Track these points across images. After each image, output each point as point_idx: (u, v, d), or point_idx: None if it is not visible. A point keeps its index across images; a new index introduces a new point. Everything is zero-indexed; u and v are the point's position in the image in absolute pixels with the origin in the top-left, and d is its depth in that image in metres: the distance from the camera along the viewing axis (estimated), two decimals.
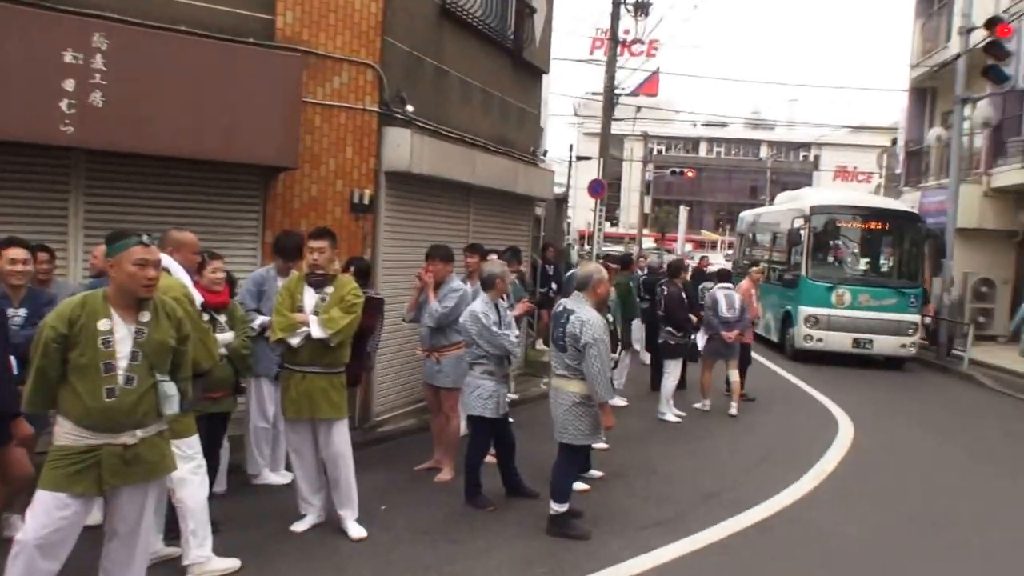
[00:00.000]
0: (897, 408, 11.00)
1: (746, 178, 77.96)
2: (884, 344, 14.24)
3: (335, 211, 7.57)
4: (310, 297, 5.14)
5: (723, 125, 73.78)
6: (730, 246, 59.01)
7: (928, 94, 23.45)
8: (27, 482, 4.33)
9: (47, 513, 3.48)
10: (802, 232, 14.76)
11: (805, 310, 14.33)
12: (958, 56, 16.16)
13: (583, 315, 5.34)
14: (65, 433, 3.52)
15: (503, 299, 6.23)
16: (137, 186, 6.60)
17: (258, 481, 6.25)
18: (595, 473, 6.78)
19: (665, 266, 11.27)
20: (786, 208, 16.83)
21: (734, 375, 10.15)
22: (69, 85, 5.76)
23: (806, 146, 71.18)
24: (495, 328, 5.82)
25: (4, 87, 5.58)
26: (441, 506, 5.93)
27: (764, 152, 76.15)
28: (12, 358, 4.19)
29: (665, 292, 9.49)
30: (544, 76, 11.92)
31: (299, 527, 5.29)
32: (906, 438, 9.22)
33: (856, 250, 15.36)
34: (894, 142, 30.22)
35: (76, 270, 6.30)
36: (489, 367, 5.89)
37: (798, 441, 8.66)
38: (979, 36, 14.97)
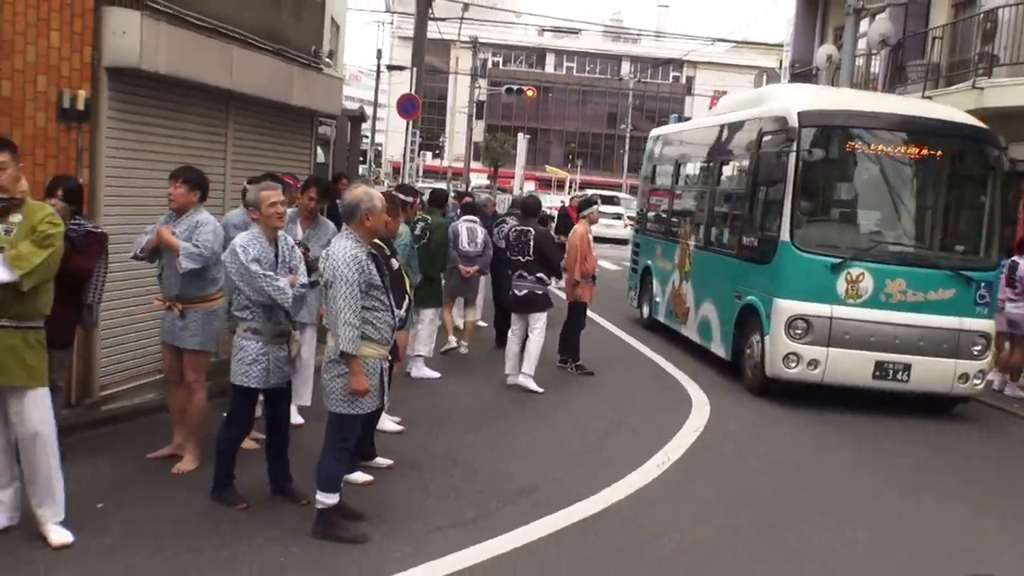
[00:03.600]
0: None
1: (602, 102, 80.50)
2: (929, 373, 10.29)
3: (37, 117, 7.34)
4: None
5: (575, 33, 75.63)
6: (582, 187, 60.85)
7: (819, 4, 24.75)
8: None
9: None
10: (783, 159, 10.42)
11: (786, 307, 10.23)
12: None
13: (332, 248, 5.56)
14: None
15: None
16: None
17: None
18: (381, 462, 6.99)
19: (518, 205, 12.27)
20: (745, 118, 12.24)
21: (471, 314, 12.00)
22: None
23: (677, 64, 73.88)
24: (255, 267, 5.77)
25: None
26: (178, 504, 5.96)
27: (626, 69, 78.63)
28: None
29: (534, 232, 10.10)
30: None
31: None
32: (767, 421, 9.90)
33: (884, 197, 11.09)
34: (781, 63, 31.94)
35: None
36: (254, 323, 5.89)
37: (641, 424, 9.19)
38: None
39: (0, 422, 5.16)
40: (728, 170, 12.85)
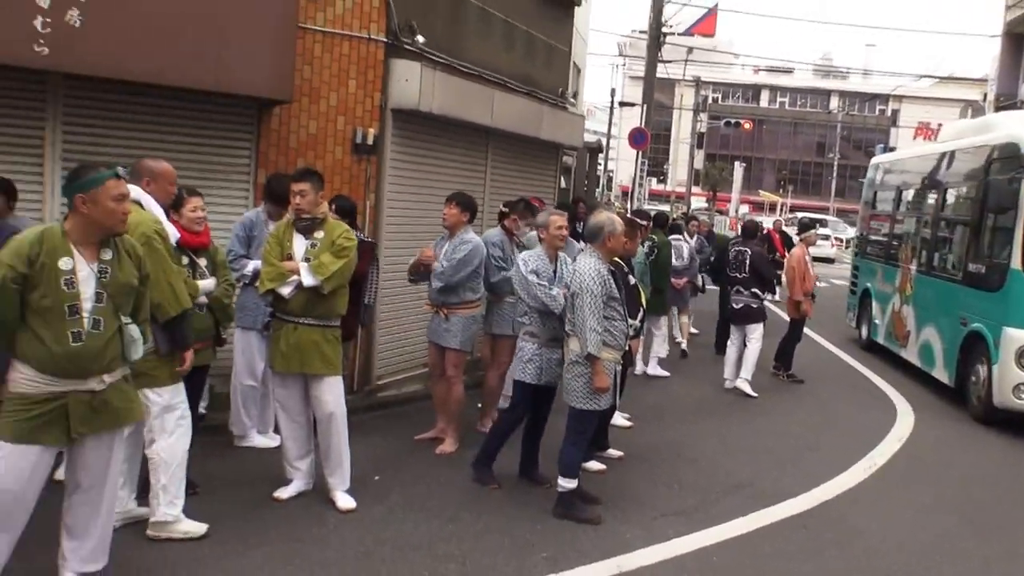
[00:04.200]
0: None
1: (813, 133, 77.02)
2: None
3: (336, 151, 7.67)
4: (299, 244, 5.27)
5: (788, 72, 72.78)
6: (792, 210, 58.54)
7: None
8: None
9: (15, 467, 3.61)
10: (1015, 186, 8.96)
11: (1018, 336, 8.72)
12: None
13: (578, 264, 5.53)
14: (25, 380, 3.63)
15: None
16: (119, 116, 6.70)
17: (244, 443, 6.46)
18: (613, 453, 6.88)
19: (740, 228, 12.19)
20: (972, 145, 10.71)
21: (683, 318, 12.11)
22: (43, 1, 5.86)
23: (883, 98, 69.91)
24: (532, 277, 5.79)
25: None
26: (441, 480, 6.06)
27: (835, 104, 75.02)
28: None
29: (750, 252, 9.98)
30: (576, 9, 11.84)
31: (283, 494, 5.45)
32: (971, 433, 9.06)
33: None
34: (985, 97, 29.76)
35: (53, 207, 6.38)
36: (532, 328, 5.88)
37: (848, 430, 8.62)
38: None
39: (302, 403, 5.43)
40: (952, 196, 11.26)
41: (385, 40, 7.81)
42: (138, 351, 3.86)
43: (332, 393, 5.32)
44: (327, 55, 7.55)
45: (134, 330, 3.85)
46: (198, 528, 4.79)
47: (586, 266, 5.44)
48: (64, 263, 3.63)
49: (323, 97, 7.57)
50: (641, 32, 38.06)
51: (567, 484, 5.53)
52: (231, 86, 6.71)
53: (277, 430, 6.29)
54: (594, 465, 6.46)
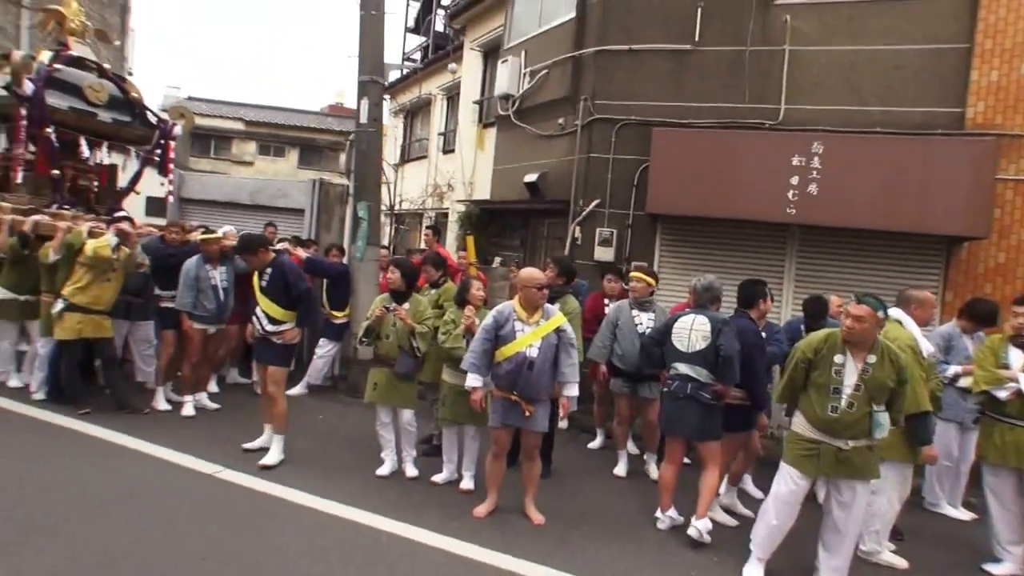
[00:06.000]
0: None
1: None
2: None
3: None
4: (1015, 356, 4.23)
5: None
6: None
7: None
8: (755, 459, 4.61)
9: (786, 480, 3.68)
10: None
11: None
12: None
13: None
14: (800, 424, 3.69)
15: None
16: (836, 252, 6.61)
17: (935, 510, 5.42)
18: None
19: None
20: None
21: None
22: (794, 180, 6.12)
23: None
24: None
25: (750, 183, 6.23)
26: None
27: None
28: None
29: None
30: None
31: (994, 569, 4.38)
32: None
33: None
34: None
35: (786, 311, 6.61)
36: None
37: None
38: None
39: (1015, 493, 4.24)
40: None
41: None
42: (882, 432, 3.54)
43: None
44: (1018, 198, 6.28)
45: (882, 417, 3.52)
46: (901, 563, 4.11)
47: None
48: (838, 358, 3.56)
49: (1013, 233, 6.25)
50: None
51: None
52: (928, 227, 6.02)
53: (965, 505, 5.27)
54: None
